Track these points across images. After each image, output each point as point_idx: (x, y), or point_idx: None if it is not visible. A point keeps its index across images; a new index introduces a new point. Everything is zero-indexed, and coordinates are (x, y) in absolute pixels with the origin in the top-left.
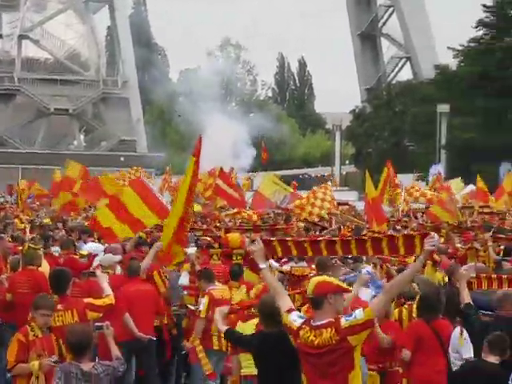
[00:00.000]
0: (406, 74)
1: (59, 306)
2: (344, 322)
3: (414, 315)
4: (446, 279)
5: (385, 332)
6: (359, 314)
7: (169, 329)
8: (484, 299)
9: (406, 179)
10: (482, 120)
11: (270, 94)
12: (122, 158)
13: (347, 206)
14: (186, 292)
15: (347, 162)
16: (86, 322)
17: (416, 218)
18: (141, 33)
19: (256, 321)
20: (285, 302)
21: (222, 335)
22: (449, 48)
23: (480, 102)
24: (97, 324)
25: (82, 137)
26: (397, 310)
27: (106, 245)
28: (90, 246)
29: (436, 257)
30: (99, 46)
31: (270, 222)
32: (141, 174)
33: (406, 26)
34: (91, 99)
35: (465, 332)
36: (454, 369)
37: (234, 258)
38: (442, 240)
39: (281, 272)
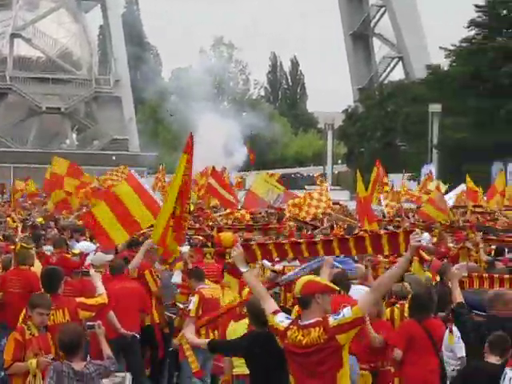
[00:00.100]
0: (398, 74)
1: None
2: (332, 320)
3: (406, 315)
4: (438, 278)
5: (377, 331)
6: (347, 313)
7: (161, 328)
8: (475, 299)
9: (397, 179)
10: (474, 120)
11: (262, 94)
12: (113, 157)
13: (338, 206)
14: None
15: (339, 161)
16: (78, 322)
17: (408, 217)
18: (133, 32)
19: (247, 321)
20: (269, 304)
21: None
22: (441, 48)
23: (472, 101)
24: (88, 323)
25: (74, 136)
26: (389, 309)
27: (98, 244)
28: (82, 245)
29: (425, 255)
30: (91, 44)
31: (262, 221)
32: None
33: (398, 26)
34: (83, 98)
35: (456, 331)
36: (448, 368)
37: (228, 257)
38: (435, 239)
39: (273, 271)
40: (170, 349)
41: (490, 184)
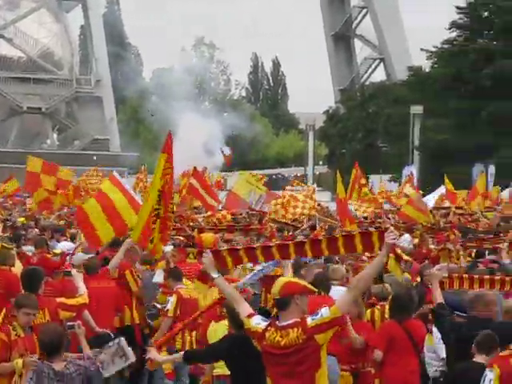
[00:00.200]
0: (379, 75)
1: None
2: (310, 321)
3: (387, 316)
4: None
5: (357, 332)
6: (325, 313)
7: (141, 329)
8: (456, 299)
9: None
10: (455, 122)
11: (243, 94)
12: (94, 157)
13: (319, 207)
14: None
15: (320, 162)
16: (58, 322)
17: (388, 218)
18: (114, 32)
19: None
20: (243, 307)
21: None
22: (422, 49)
23: (453, 103)
24: (69, 323)
25: (55, 136)
26: (369, 310)
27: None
28: (63, 245)
29: (400, 253)
30: (72, 44)
31: (243, 222)
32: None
33: (380, 28)
34: (64, 98)
35: (436, 331)
36: (431, 369)
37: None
38: (416, 241)
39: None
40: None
41: (470, 186)
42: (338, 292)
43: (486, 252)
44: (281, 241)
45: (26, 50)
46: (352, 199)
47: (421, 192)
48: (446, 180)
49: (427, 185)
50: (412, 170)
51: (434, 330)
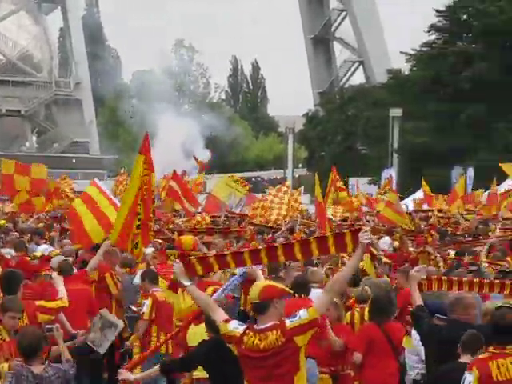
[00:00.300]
0: (358, 78)
1: None
2: (289, 323)
3: (366, 318)
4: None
5: (337, 335)
6: (303, 314)
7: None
8: (437, 302)
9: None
10: (434, 124)
11: (223, 97)
12: (74, 160)
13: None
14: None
15: (300, 165)
16: (37, 325)
17: (367, 221)
18: (93, 34)
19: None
20: (218, 313)
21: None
22: (401, 52)
23: (432, 106)
24: (47, 326)
25: (34, 138)
26: (349, 313)
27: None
28: (43, 248)
29: (375, 251)
30: (52, 47)
31: (223, 224)
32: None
33: (359, 30)
34: (43, 101)
35: (415, 334)
36: (413, 372)
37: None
38: (396, 243)
39: (233, 274)
40: (122, 350)
41: (449, 188)
42: (317, 295)
43: (466, 254)
44: (260, 243)
45: (5, 53)
46: (328, 204)
47: (398, 195)
48: (424, 182)
49: (406, 187)
50: (391, 173)
51: (413, 332)
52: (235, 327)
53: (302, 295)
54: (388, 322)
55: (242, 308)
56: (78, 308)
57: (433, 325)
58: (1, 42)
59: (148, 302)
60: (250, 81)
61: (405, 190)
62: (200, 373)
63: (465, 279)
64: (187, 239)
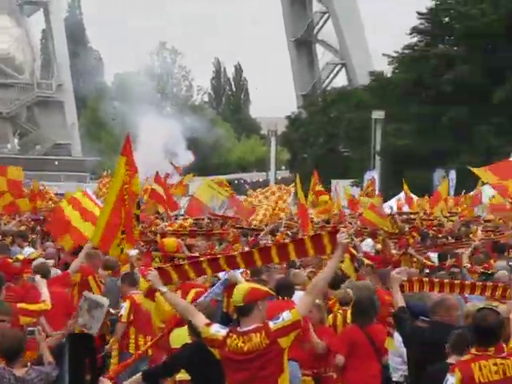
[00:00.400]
0: (341, 81)
1: None
2: (273, 325)
3: (349, 321)
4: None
5: (319, 337)
6: (287, 316)
7: (101, 334)
8: (420, 304)
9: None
10: (416, 127)
11: (206, 99)
12: (56, 162)
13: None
14: None
15: (282, 167)
16: (19, 327)
17: (350, 223)
18: (76, 36)
19: None
20: (199, 317)
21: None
22: (383, 55)
23: (414, 108)
24: (29, 329)
25: (16, 140)
26: (331, 315)
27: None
28: (27, 251)
29: (354, 251)
30: (34, 49)
31: (206, 227)
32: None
33: (342, 33)
34: (25, 102)
35: (397, 335)
36: (396, 374)
37: (176, 262)
38: (379, 246)
39: (216, 277)
40: (102, 353)
41: (432, 191)
42: (300, 297)
43: (448, 256)
44: (244, 245)
45: None
46: (307, 206)
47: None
48: (405, 185)
49: (389, 190)
50: (373, 175)
51: (396, 333)
52: (217, 330)
53: (285, 297)
54: (370, 324)
55: (224, 310)
56: (56, 311)
57: (415, 326)
58: None
59: (126, 305)
60: (232, 83)
61: (387, 192)
62: (183, 375)
63: (446, 281)
64: (170, 241)
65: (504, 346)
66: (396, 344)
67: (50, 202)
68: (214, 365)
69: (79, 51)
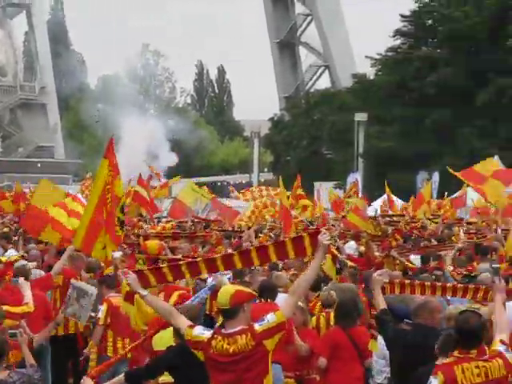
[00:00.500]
0: (324, 83)
1: None
2: (258, 327)
3: (332, 323)
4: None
5: (303, 340)
6: (271, 318)
7: (84, 336)
8: (404, 307)
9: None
10: (400, 129)
11: (189, 101)
12: (39, 165)
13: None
14: None
15: (265, 169)
16: (1, 329)
17: (333, 226)
18: (59, 38)
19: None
20: (182, 319)
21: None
22: (366, 57)
23: (397, 111)
24: (10, 331)
25: None
26: (314, 317)
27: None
28: (10, 253)
29: (336, 252)
30: (16, 51)
31: (189, 229)
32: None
33: (325, 35)
34: (8, 105)
35: (380, 338)
36: (380, 376)
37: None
38: (362, 248)
39: (199, 279)
40: (81, 357)
41: (415, 193)
42: (283, 299)
43: (431, 259)
44: (227, 248)
45: None
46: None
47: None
48: (387, 187)
49: (372, 192)
50: (357, 177)
51: (380, 336)
52: (201, 332)
53: (268, 299)
54: (353, 327)
55: (207, 312)
56: (35, 314)
57: (397, 329)
58: None
59: (103, 308)
60: (215, 85)
61: (372, 194)
62: (166, 378)
63: (427, 283)
64: (152, 244)
65: (486, 348)
66: (380, 346)
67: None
68: (197, 367)
69: (62, 53)
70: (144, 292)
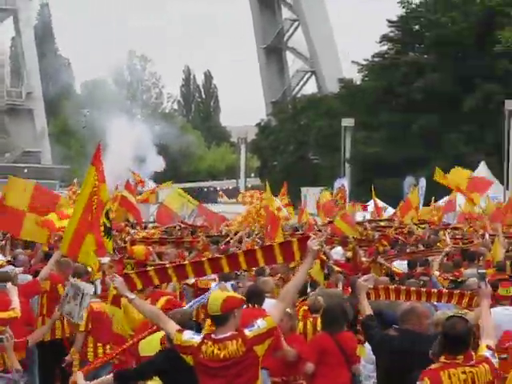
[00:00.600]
0: (311, 88)
1: None
2: (249, 332)
3: (319, 328)
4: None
5: (290, 345)
6: (262, 323)
7: (71, 342)
8: (391, 313)
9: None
10: (387, 134)
11: (175, 107)
12: (25, 170)
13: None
14: None
15: (252, 174)
16: None
17: (319, 230)
18: (45, 44)
19: (161, 334)
20: (170, 323)
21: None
22: (353, 62)
23: (384, 116)
24: None
25: None
26: (301, 323)
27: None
28: None
29: (324, 257)
30: (3, 56)
31: (175, 235)
32: None
33: (311, 40)
34: None
35: (366, 343)
36: (368, 382)
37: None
38: (350, 254)
39: (186, 284)
40: (64, 364)
41: (401, 198)
42: (270, 304)
43: (418, 264)
44: (214, 253)
45: None
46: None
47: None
48: (373, 192)
49: (359, 197)
50: (343, 183)
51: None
52: (191, 337)
53: (256, 305)
54: (341, 332)
55: (194, 319)
56: (18, 320)
57: (384, 334)
58: None
59: (84, 314)
60: (202, 90)
61: (357, 200)
62: (155, 382)
63: (412, 288)
64: (139, 249)
65: (473, 353)
66: (367, 351)
67: None
68: (186, 372)
69: (49, 58)
70: (131, 295)
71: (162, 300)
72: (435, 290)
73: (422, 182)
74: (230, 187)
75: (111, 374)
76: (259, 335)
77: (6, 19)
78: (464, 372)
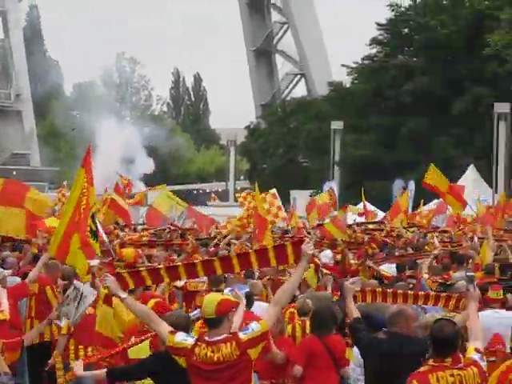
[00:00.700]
0: (300, 91)
1: None
2: (243, 335)
3: (308, 331)
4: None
5: (279, 348)
6: (256, 327)
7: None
8: (381, 316)
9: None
10: (376, 137)
11: (165, 109)
12: (14, 172)
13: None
14: None
15: (242, 177)
16: None
17: (308, 233)
18: (34, 45)
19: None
20: (163, 325)
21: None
22: (343, 65)
23: (374, 119)
24: None
25: None
26: (290, 326)
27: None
28: None
29: (317, 261)
30: None
31: (165, 237)
32: None
33: (301, 43)
34: None
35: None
36: None
37: None
38: (339, 256)
39: (175, 287)
40: (46, 368)
41: (391, 201)
42: (259, 307)
43: (407, 267)
44: (204, 256)
45: None
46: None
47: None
48: (363, 196)
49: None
50: (332, 186)
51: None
52: (184, 339)
53: (245, 308)
54: (329, 335)
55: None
56: (5, 323)
57: (372, 337)
58: None
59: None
60: (191, 93)
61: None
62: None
63: (399, 291)
64: (128, 252)
65: (461, 356)
66: (356, 354)
67: None
68: (178, 373)
69: (38, 60)
70: (124, 294)
71: (151, 302)
72: (422, 293)
73: (411, 185)
74: (220, 190)
75: (104, 370)
76: (253, 338)
77: None
78: (452, 375)
